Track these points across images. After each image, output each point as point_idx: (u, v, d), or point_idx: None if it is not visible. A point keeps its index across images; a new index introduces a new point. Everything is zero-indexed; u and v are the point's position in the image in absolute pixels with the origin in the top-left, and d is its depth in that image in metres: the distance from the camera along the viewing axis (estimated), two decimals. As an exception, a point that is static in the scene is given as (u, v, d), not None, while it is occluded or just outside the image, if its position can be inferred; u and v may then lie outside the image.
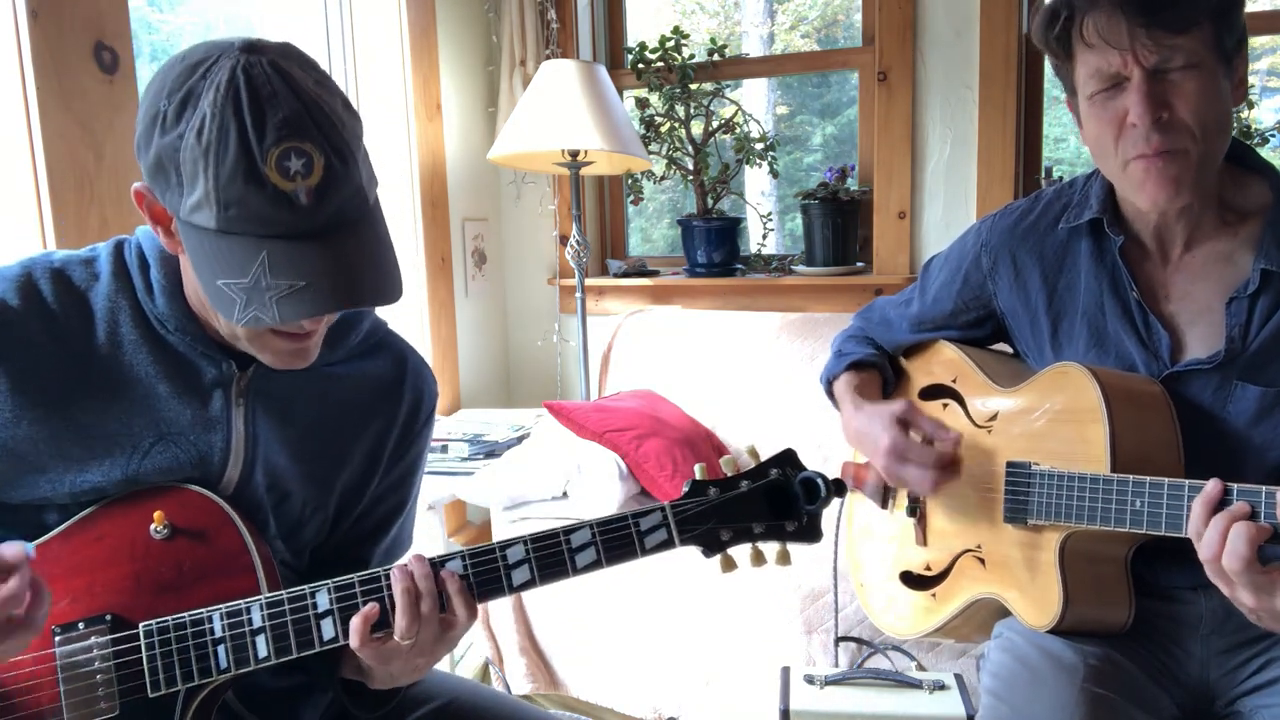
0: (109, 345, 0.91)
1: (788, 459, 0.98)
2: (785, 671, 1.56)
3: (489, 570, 0.92)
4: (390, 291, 0.84)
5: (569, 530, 0.94)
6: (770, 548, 0.98)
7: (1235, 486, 0.98)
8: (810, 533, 0.97)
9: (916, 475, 1.25)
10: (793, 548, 0.98)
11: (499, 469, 2.25)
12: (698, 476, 0.97)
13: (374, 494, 1.10)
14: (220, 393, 0.95)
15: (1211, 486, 0.97)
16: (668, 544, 0.94)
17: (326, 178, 0.79)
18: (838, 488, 0.97)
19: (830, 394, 1.49)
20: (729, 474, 0.98)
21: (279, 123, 0.77)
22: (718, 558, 0.97)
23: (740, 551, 0.98)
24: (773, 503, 0.97)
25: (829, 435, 2.36)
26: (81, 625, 0.88)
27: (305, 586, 0.91)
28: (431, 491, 2.28)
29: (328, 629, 0.90)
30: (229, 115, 0.76)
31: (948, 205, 2.61)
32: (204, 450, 0.95)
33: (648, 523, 0.94)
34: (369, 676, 0.96)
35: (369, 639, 0.89)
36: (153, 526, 0.91)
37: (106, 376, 0.91)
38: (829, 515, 1.61)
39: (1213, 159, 1.11)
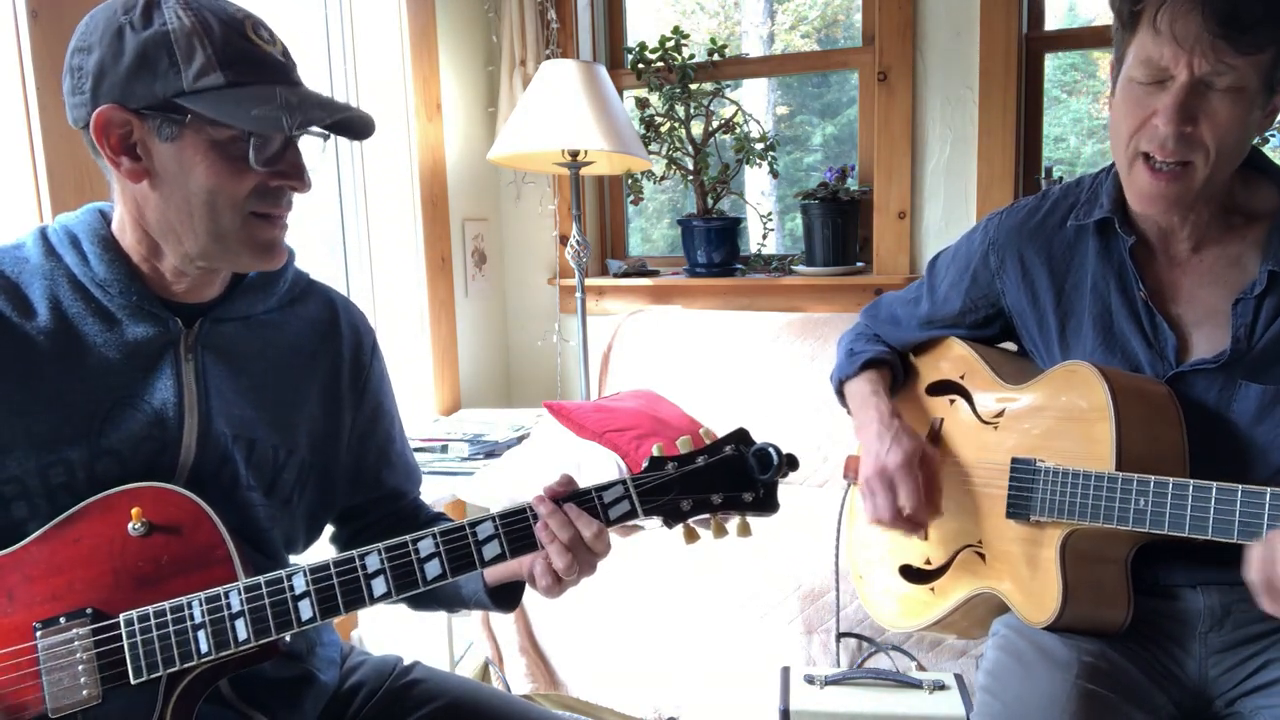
0: (54, 320, 0.95)
1: (740, 437, 1.01)
2: (785, 671, 1.56)
3: (460, 548, 0.95)
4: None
5: (535, 506, 0.97)
6: (731, 521, 1.00)
7: (1240, 488, 0.98)
8: (767, 504, 1.00)
9: (881, 502, 1.27)
10: (752, 519, 1.00)
11: (499, 469, 2.25)
12: (655, 454, 0.99)
13: (356, 432, 1.16)
14: (170, 351, 0.99)
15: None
16: (630, 514, 0.97)
17: (285, 45, 0.97)
18: (790, 461, 0.99)
19: (840, 392, 1.48)
20: (685, 451, 1.00)
21: (235, 9, 0.94)
22: (680, 528, 0.99)
23: (703, 525, 1.00)
24: (730, 475, 0.99)
25: (829, 435, 2.36)
26: (63, 619, 0.90)
27: (281, 570, 0.93)
28: (432, 491, 2.28)
29: (305, 610, 0.92)
30: (198, 6, 0.91)
31: (948, 205, 2.61)
32: (159, 408, 0.97)
33: (610, 495, 0.97)
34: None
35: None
36: (130, 524, 0.92)
37: (58, 351, 0.94)
38: (830, 513, 1.63)
39: (1218, 178, 1.10)
